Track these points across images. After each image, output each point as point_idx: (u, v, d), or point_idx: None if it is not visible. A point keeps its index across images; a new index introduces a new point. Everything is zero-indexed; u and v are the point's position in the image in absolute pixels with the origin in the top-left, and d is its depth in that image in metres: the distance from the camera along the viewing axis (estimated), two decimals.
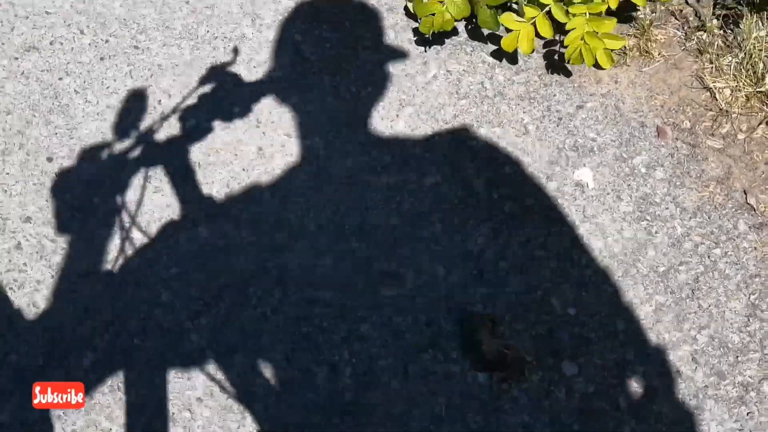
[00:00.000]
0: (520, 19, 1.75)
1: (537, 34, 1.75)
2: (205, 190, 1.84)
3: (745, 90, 1.78)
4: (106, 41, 2.10)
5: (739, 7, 1.83)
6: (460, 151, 1.83)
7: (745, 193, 1.70)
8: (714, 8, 1.89)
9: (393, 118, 1.90)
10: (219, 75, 2.01)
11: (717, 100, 1.80)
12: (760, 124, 1.77)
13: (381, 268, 1.71)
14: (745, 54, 1.80)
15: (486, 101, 1.89)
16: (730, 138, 1.77)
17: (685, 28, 1.89)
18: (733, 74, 1.80)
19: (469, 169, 1.81)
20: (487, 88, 1.91)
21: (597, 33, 1.73)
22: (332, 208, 1.79)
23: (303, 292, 1.70)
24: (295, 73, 1.99)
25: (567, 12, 1.72)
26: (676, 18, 1.91)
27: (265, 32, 2.07)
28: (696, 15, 1.89)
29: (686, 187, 1.73)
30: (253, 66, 2.01)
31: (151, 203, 1.84)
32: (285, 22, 2.07)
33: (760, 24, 1.81)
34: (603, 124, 1.82)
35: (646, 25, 1.88)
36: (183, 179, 1.86)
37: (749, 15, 1.81)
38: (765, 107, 1.77)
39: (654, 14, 1.90)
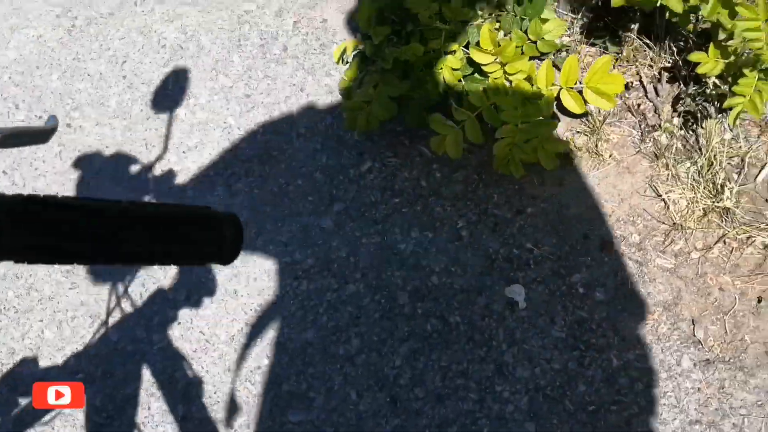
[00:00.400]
0: (449, 122, 1.60)
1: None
2: (120, 288, 1.76)
3: (703, 203, 1.60)
4: (40, 117, 2.03)
5: (704, 104, 1.64)
6: (388, 257, 1.70)
7: (694, 324, 1.53)
8: (676, 104, 1.70)
9: (321, 214, 1.77)
10: (148, 160, 1.92)
11: (671, 212, 1.62)
12: (716, 242, 1.58)
13: (290, 388, 1.59)
14: (705, 161, 1.61)
15: (420, 201, 1.75)
16: (683, 257, 1.59)
17: (642, 126, 1.71)
18: (691, 184, 1.62)
19: (395, 277, 1.67)
20: (422, 185, 1.77)
21: (536, 137, 1.58)
22: (246, 317, 1.68)
23: (207, 411, 1.60)
24: (223, 161, 1.88)
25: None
26: (633, 114, 1.73)
27: (199, 114, 1.96)
28: (655, 111, 1.71)
29: (628, 312, 1.56)
30: (182, 151, 1.92)
31: (66, 300, 1.77)
32: (219, 103, 1.97)
33: (727, 126, 1.62)
34: (542, 233, 1.66)
35: (599, 123, 1.70)
36: (100, 275, 1.78)
37: (714, 115, 1.62)
38: (723, 224, 1.58)
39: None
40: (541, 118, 1.56)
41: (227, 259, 0.56)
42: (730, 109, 1.53)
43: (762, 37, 1.41)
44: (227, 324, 1.68)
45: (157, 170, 1.89)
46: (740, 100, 1.46)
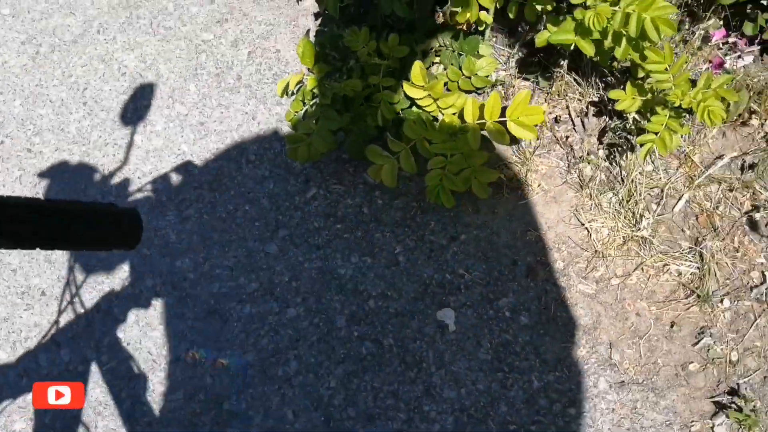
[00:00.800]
0: (385, 153, 1.69)
1: None
2: (72, 309, 1.83)
3: (623, 232, 1.69)
4: (2, 142, 2.11)
5: (626, 137, 1.74)
6: (328, 281, 1.78)
7: (611, 347, 1.61)
8: (602, 137, 1.79)
9: (266, 240, 1.86)
10: (104, 185, 1.99)
11: (593, 240, 1.71)
12: (635, 270, 1.67)
13: (230, 408, 1.67)
14: (626, 191, 1.70)
15: (361, 227, 1.84)
16: (604, 283, 1.68)
17: (569, 158, 1.80)
18: (613, 213, 1.71)
19: (334, 301, 1.76)
20: (364, 212, 1.86)
21: (468, 168, 1.66)
22: (191, 338, 1.76)
23: (151, 428, 1.68)
24: (175, 187, 1.96)
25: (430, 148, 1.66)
26: (561, 146, 1.82)
27: (154, 140, 2.05)
28: (582, 144, 1.80)
29: (550, 335, 1.64)
30: (138, 177, 2.00)
31: (20, 321, 1.84)
32: (174, 131, 2.05)
33: (649, 158, 1.71)
34: (474, 259, 1.75)
35: (529, 154, 1.80)
36: (53, 296, 1.86)
37: (636, 148, 1.71)
38: (641, 252, 1.67)
39: (539, 141, 1.82)
40: (469, 149, 1.65)
41: (129, 245, 0.70)
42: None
43: (668, 79, 1.51)
44: (174, 345, 1.76)
45: (113, 196, 1.97)
46: (651, 137, 1.55)
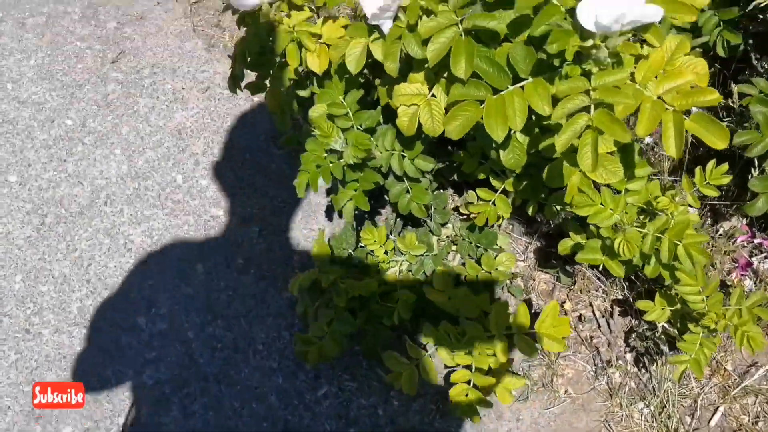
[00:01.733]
0: (403, 359, 1.60)
1: None
2: None
3: None
4: (0, 321, 2.02)
5: (655, 341, 1.66)
6: None
7: None
8: (628, 337, 1.72)
9: None
10: (103, 374, 1.89)
11: None
12: None
13: None
14: (658, 402, 1.61)
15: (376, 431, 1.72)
16: None
17: (596, 360, 1.72)
18: (646, 427, 1.61)
19: None
20: (379, 414, 1.75)
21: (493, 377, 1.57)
22: None
23: None
24: (180, 378, 1.86)
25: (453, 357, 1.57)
26: (586, 347, 1.74)
27: (158, 324, 1.96)
28: (608, 345, 1.73)
29: None
30: (140, 365, 1.90)
31: None
32: (179, 314, 1.97)
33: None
34: None
35: (554, 357, 1.71)
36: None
37: (666, 353, 1.64)
38: None
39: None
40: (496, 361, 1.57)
41: None
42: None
43: (702, 300, 1.45)
44: None
45: (112, 385, 1.87)
46: (685, 358, 1.48)
